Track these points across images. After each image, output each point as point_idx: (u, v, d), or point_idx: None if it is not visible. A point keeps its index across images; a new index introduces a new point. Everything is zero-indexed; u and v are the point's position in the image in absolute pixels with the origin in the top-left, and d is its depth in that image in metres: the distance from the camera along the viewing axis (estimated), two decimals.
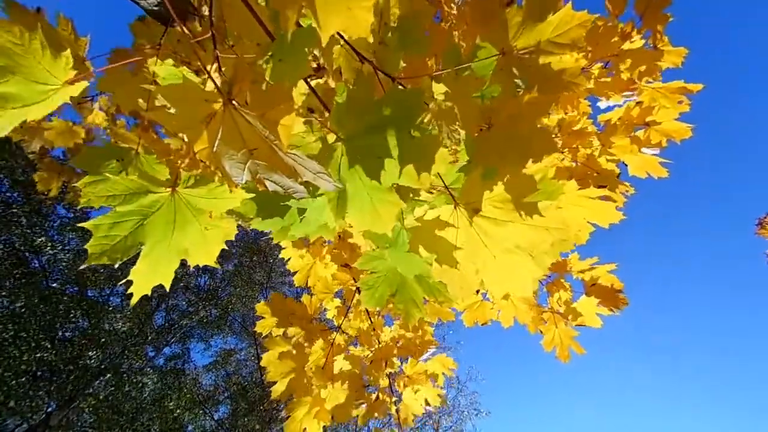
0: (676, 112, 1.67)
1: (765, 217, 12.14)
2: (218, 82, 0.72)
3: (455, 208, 0.96)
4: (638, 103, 1.74)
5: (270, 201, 1.06)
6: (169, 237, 0.85)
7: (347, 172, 0.83)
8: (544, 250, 0.90)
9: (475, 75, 0.94)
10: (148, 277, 0.84)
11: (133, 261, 0.85)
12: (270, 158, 0.69)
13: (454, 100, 0.88)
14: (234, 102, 0.68)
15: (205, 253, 0.88)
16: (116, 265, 0.83)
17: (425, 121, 0.89)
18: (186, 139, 0.67)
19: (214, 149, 0.68)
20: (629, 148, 1.62)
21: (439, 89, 0.92)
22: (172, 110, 0.67)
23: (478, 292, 2.05)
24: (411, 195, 1.00)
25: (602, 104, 1.79)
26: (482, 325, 2.05)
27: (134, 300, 0.84)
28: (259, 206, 1.06)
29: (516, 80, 0.94)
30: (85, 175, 0.84)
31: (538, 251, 0.90)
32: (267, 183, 0.71)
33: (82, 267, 0.92)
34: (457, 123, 0.90)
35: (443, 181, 0.96)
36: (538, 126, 0.86)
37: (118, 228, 0.80)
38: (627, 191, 1.76)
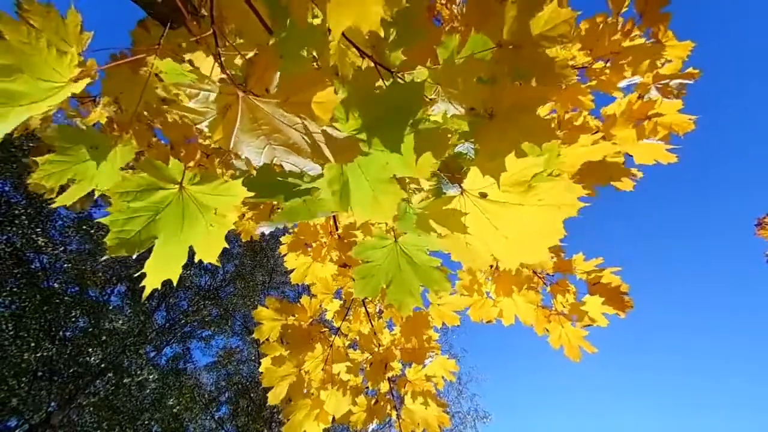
0: (679, 104, 1.63)
1: (764, 218, 12.09)
2: (229, 75, 0.73)
3: (462, 194, 0.96)
4: (640, 96, 1.70)
5: (272, 186, 1.05)
6: (179, 232, 0.86)
7: (349, 167, 0.85)
8: (557, 228, 0.91)
9: (474, 60, 0.97)
10: (159, 271, 0.86)
11: (132, 262, 0.85)
12: (286, 142, 0.73)
13: (454, 84, 0.90)
14: (249, 92, 0.70)
15: (209, 251, 0.88)
16: (134, 256, 0.85)
17: (428, 112, 0.90)
18: (205, 131, 0.70)
19: (233, 139, 0.71)
20: (632, 139, 1.58)
21: (437, 78, 0.94)
22: (191, 104, 0.69)
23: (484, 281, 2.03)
24: (408, 182, 1.00)
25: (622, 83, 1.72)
26: (487, 323, 2.04)
27: (146, 293, 0.85)
28: (260, 192, 1.04)
29: (514, 69, 1.00)
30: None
31: (551, 228, 0.91)
32: (284, 164, 0.74)
33: (103, 258, 0.94)
34: (459, 107, 0.92)
35: (449, 170, 0.96)
36: (540, 116, 0.87)
37: (132, 223, 0.82)
38: (635, 176, 1.72)
